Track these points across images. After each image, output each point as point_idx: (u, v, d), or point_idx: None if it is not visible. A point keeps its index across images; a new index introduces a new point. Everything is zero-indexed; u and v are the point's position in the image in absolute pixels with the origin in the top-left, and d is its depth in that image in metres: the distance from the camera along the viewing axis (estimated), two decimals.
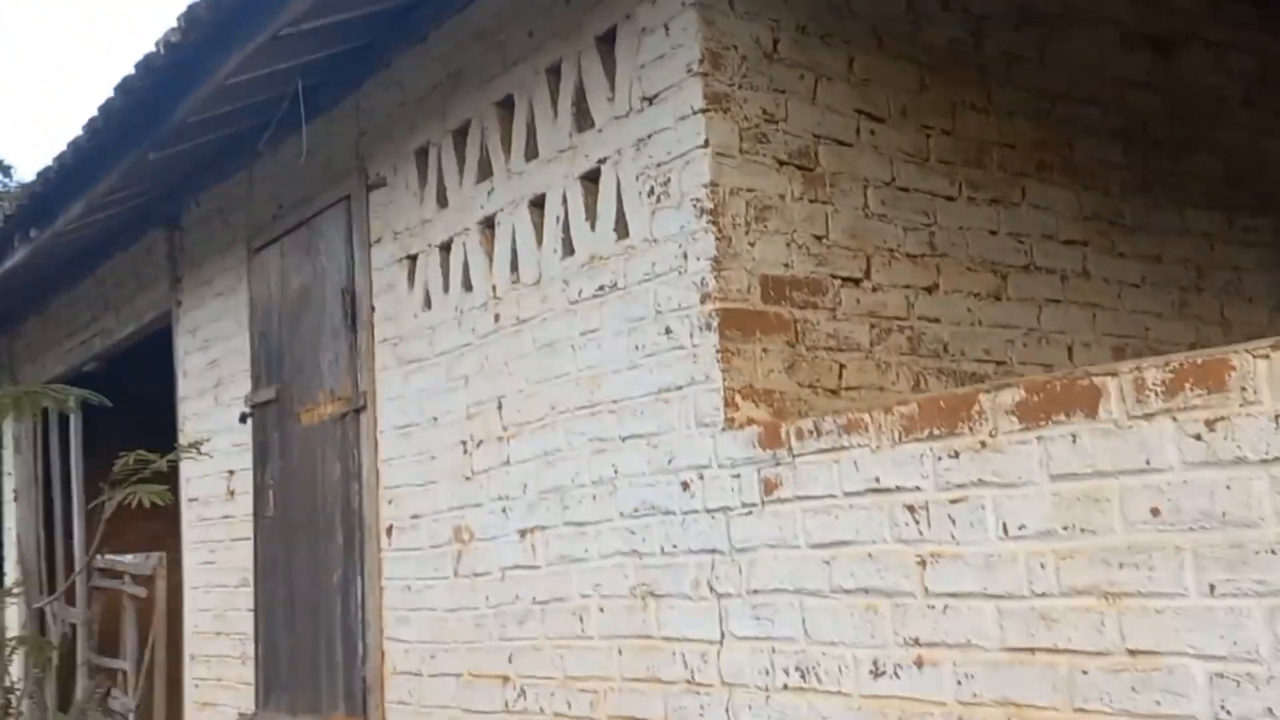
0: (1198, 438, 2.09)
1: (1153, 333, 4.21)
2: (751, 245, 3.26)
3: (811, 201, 3.41)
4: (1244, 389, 2.02)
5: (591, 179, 3.68)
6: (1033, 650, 2.37)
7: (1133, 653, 2.19)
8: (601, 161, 3.62)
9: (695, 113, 3.26)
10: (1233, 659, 2.03)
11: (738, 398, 3.16)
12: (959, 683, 2.51)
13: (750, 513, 3.05)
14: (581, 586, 3.64)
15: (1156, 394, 2.15)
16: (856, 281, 3.47)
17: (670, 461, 3.31)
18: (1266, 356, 1.99)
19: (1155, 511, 2.15)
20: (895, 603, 2.66)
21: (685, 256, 3.28)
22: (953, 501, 2.53)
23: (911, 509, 2.62)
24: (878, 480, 2.70)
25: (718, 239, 3.20)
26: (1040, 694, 2.35)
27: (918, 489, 2.61)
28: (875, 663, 2.70)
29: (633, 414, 3.45)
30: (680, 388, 3.29)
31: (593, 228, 3.66)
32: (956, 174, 3.77)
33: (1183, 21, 4.57)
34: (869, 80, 3.61)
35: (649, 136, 3.42)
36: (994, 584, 2.44)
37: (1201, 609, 2.08)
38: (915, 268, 3.62)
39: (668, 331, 3.33)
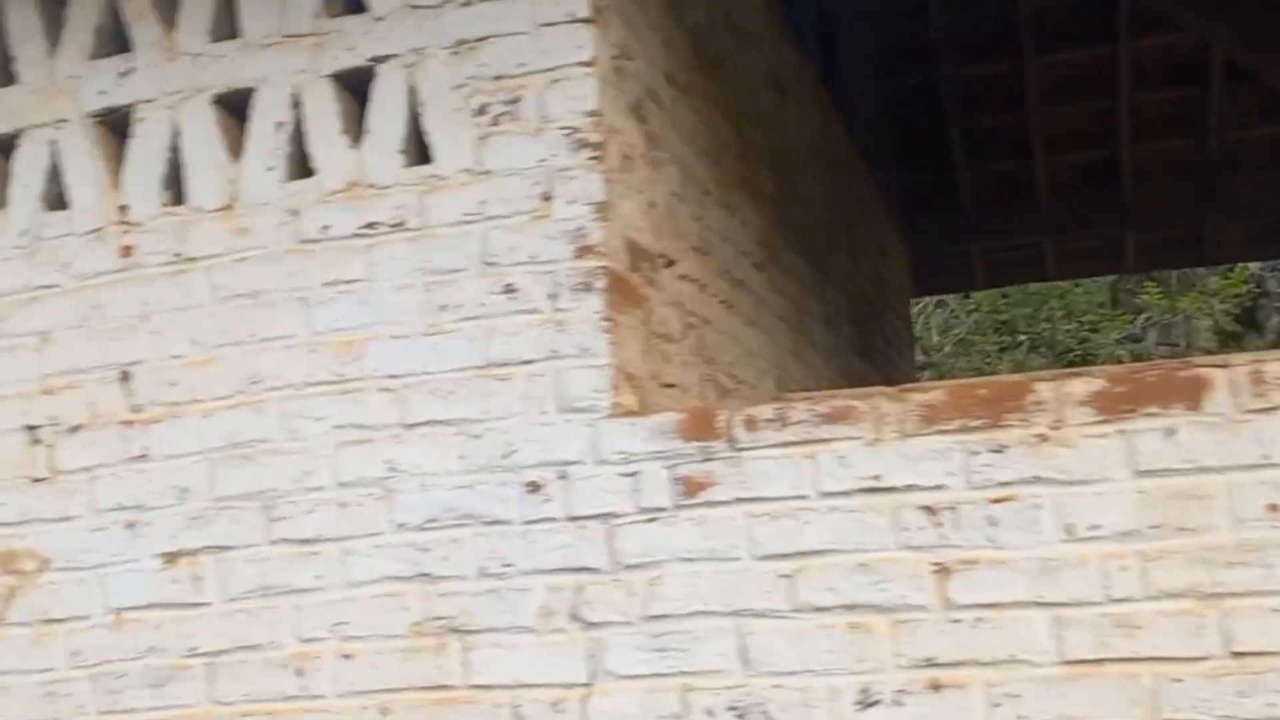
0: None
1: (789, 370, 4.28)
2: (621, 198, 2.71)
3: (649, 165, 2.94)
4: None
5: (353, 80, 2.81)
6: (1101, 661, 2.19)
7: (1238, 655, 2.12)
8: (379, 60, 2.78)
9: (575, 21, 2.64)
10: None
11: (623, 378, 2.58)
12: (996, 705, 2.24)
13: (654, 520, 2.48)
14: (302, 628, 2.68)
15: (1278, 388, 2.13)
16: (671, 264, 3.05)
17: (507, 456, 2.58)
18: None
19: (1273, 508, 2.12)
20: (898, 619, 2.32)
21: (548, 198, 2.62)
22: (994, 501, 2.28)
23: (931, 510, 2.31)
24: (878, 478, 2.35)
25: (606, 181, 2.60)
26: (1114, 708, 2.18)
27: (941, 487, 2.31)
28: (864, 691, 2.32)
29: (432, 394, 2.65)
30: (529, 362, 2.60)
31: (355, 144, 2.79)
32: (716, 170, 3.52)
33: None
34: None
35: (481, 40, 2.70)
36: (1052, 591, 2.23)
37: None
38: (699, 263, 3.29)
39: (508, 290, 2.62)
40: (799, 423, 2.40)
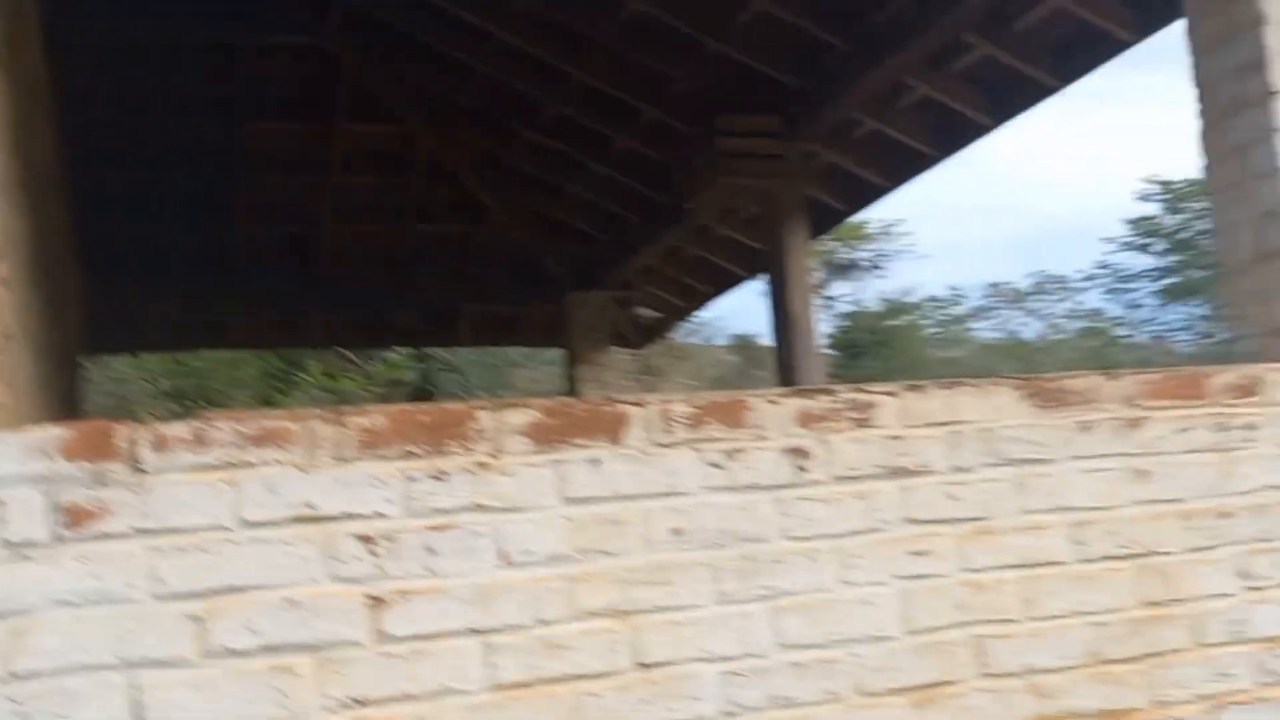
0: (716, 466, 2.42)
1: None
2: None
3: None
4: (757, 426, 2.46)
5: None
6: (530, 684, 2.25)
7: (645, 666, 2.32)
8: None
9: None
10: (741, 657, 2.38)
11: None
12: None
13: (25, 558, 2.01)
14: None
15: (682, 425, 2.41)
16: None
17: None
18: (775, 402, 2.49)
19: (677, 531, 2.38)
20: (327, 658, 2.14)
21: None
22: (434, 529, 2.23)
23: (367, 539, 2.19)
24: (310, 506, 2.17)
25: None
26: None
27: (379, 515, 2.20)
28: None
29: None
30: None
31: None
32: None
33: None
34: None
35: None
36: (486, 618, 2.24)
37: (716, 617, 2.37)
38: None
39: None
40: (221, 444, 2.12)
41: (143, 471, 2.07)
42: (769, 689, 2.36)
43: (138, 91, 7.47)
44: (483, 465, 2.26)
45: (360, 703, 2.13)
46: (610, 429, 2.35)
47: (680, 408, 2.40)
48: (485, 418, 2.28)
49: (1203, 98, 3.28)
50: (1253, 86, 3.10)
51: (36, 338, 3.68)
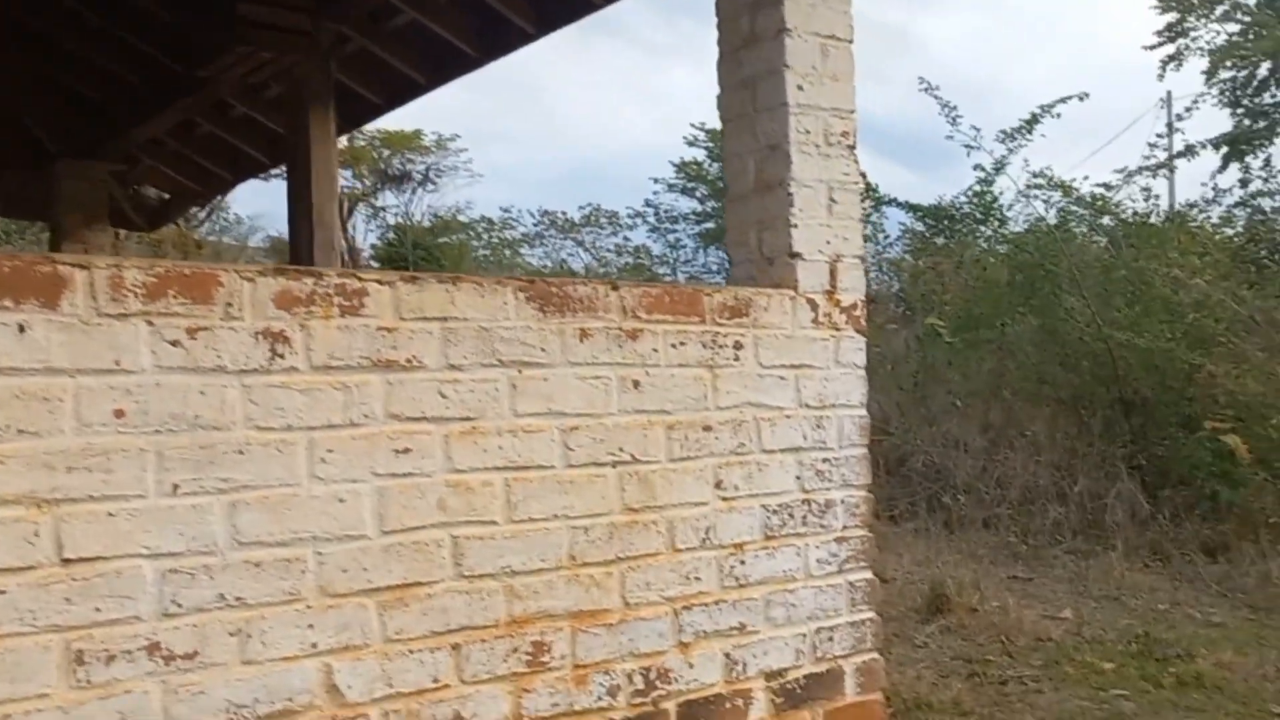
0: (175, 344, 2.16)
1: None
2: None
3: None
4: (230, 304, 2.22)
5: None
6: None
7: (69, 561, 2.03)
8: None
9: None
10: (188, 554, 2.15)
11: None
12: None
13: None
14: None
15: (137, 295, 2.12)
16: None
17: None
18: (252, 279, 2.25)
19: (120, 413, 2.10)
20: None
21: None
22: None
23: None
24: None
25: None
26: None
27: None
28: None
29: None
30: None
31: None
32: None
33: None
34: None
35: None
36: None
37: (160, 509, 2.12)
38: None
39: None
40: None
41: None
42: (219, 588, 2.15)
43: None
44: None
45: None
46: (45, 291, 2.01)
47: (135, 274, 2.10)
48: None
49: (721, 27, 3.35)
50: (767, 22, 3.20)
51: None
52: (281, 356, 2.26)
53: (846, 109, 3.30)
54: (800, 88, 3.19)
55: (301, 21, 4.68)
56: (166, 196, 7.60)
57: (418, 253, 22.73)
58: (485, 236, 25.55)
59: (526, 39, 5.06)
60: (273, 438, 2.23)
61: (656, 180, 23.88)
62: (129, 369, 2.09)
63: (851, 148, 3.30)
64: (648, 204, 23.43)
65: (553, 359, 2.65)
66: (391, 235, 23.38)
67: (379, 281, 2.42)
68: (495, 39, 5.17)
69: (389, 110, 5.94)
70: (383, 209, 24.02)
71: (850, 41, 3.32)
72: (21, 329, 1.99)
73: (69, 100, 6.44)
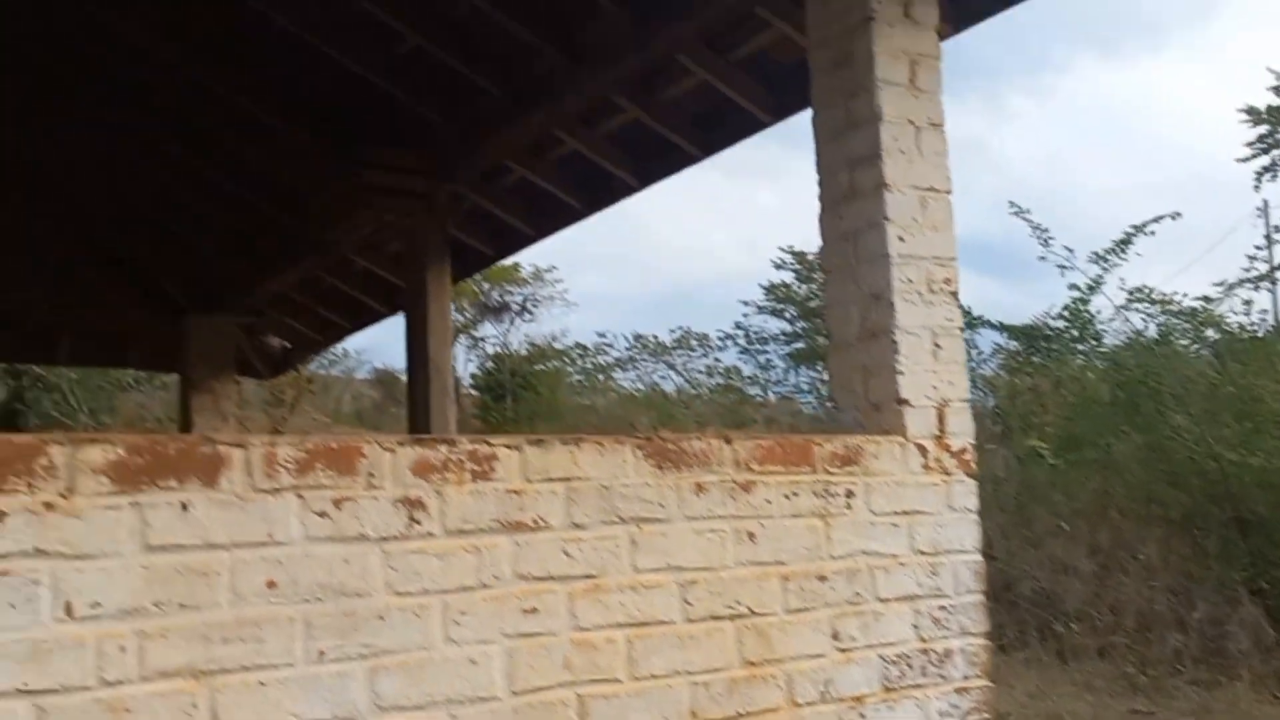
0: (322, 514, 2.28)
1: None
2: None
3: None
4: (371, 474, 2.35)
5: None
6: None
7: None
8: None
9: None
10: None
11: None
12: None
13: None
14: None
15: (288, 470, 2.26)
16: None
17: None
18: (392, 450, 2.38)
19: (272, 584, 2.22)
20: None
21: None
22: None
23: None
24: None
25: None
26: None
27: None
28: None
29: None
30: None
31: None
32: None
33: None
34: None
35: None
36: (40, 677, 1.99)
37: (307, 676, 2.22)
38: None
39: None
40: None
41: None
42: None
43: None
44: (50, 506, 2.01)
45: None
46: (205, 471, 2.16)
47: (287, 451, 2.24)
48: (58, 453, 2.03)
49: (823, 183, 3.48)
50: (866, 177, 3.32)
51: None
52: (419, 522, 2.37)
53: (947, 256, 3.38)
54: (901, 239, 3.28)
55: (420, 185, 4.94)
56: (288, 346, 7.93)
57: (515, 380, 23.10)
58: (579, 362, 25.88)
59: (628, 191, 5.26)
60: (410, 602, 2.33)
61: (745, 303, 24.07)
62: (280, 541, 2.22)
63: (954, 294, 3.37)
64: (738, 326, 23.59)
65: (670, 514, 2.73)
66: (490, 364, 23.82)
67: (507, 446, 2.54)
68: (598, 192, 5.38)
69: (497, 260, 6.18)
70: (482, 339, 24.54)
71: (949, 192, 3.42)
72: (184, 507, 2.13)
73: (200, 259, 6.81)
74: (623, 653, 2.60)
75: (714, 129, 5.12)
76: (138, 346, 7.27)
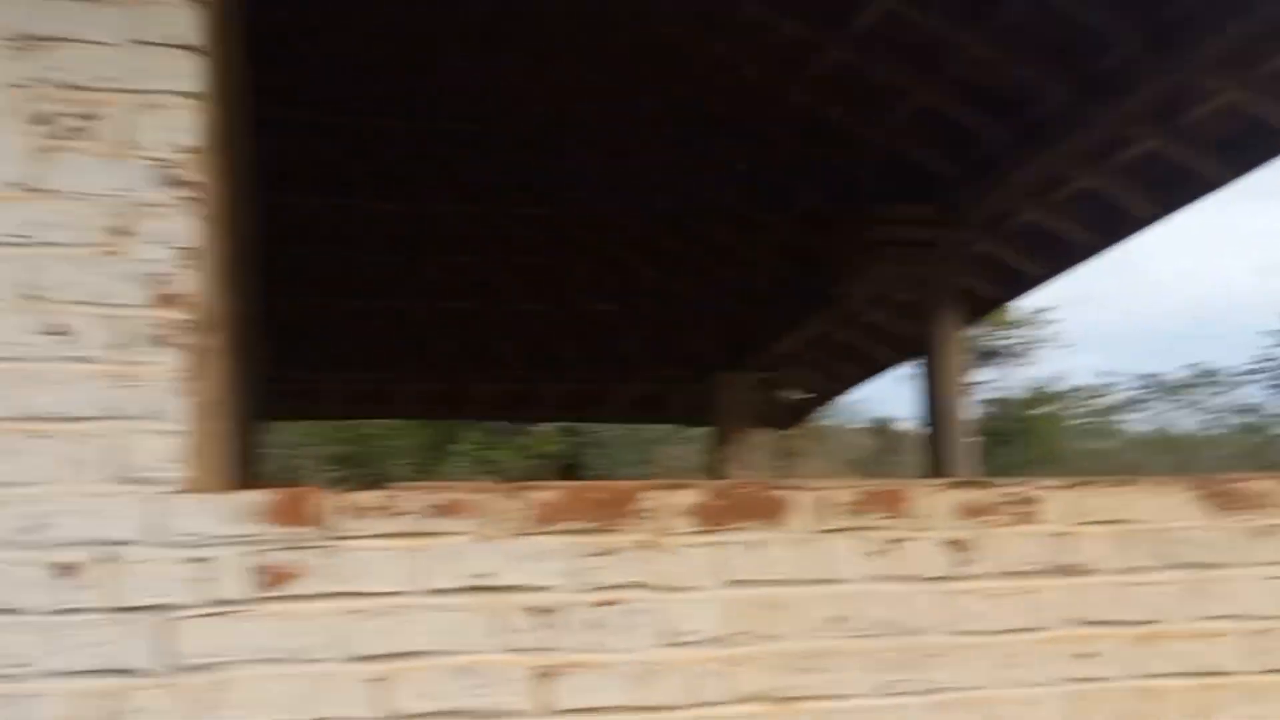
0: (877, 554, 2.44)
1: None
2: (210, 245, 2.40)
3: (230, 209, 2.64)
4: (916, 516, 2.47)
5: None
6: None
7: None
8: None
9: (179, 47, 2.34)
10: None
11: (196, 449, 2.24)
12: None
13: (223, 614, 2.15)
14: None
15: (843, 512, 2.44)
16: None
17: (33, 530, 2.10)
18: (935, 493, 2.50)
19: (835, 619, 2.40)
20: None
21: (124, 232, 2.25)
22: (599, 604, 2.30)
23: (537, 611, 2.27)
24: (486, 576, 2.27)
25: (201, 224, 2.30)
26: None
27: (548, 588, 2.29)
28: None
29: None
30: (78, 419, 2.16)
31: None
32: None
33: None
34: None
35: (55, 41, 2.29)
36: (648, 696, 2.29)
37: (873, 707, 2.38)
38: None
39: (62, 333, 2.18)
40: (409, 513, 2.24)
41: (336, 537, 2.20)
42: None
43: (323, 170, 7.89)
44: (647, 544, 2.33)
45: None
46: (771, 513, 2.40)
47: (842, 494, 2.44)
48: (653, 497, 2.35)
49: None
50: None
51: (233, 405, 3.91)
52: (966, 563, 2.47)
53: None
54: None
55: (929, 235, 5.07)
56: (803, 398, 8.35)
57: (1016, 425, 22.45)
58: (1081, 404, 24.63)
59: (1145, 224, 5.07)
60: (964, 641, 2.43)
61: (1268, 334, 21.74)
62: (840, 578, 2.41)
63: None
64: (1262, 359, 21.34)
65: (1231, 558, 2.62)
66: (990, 409, 23.31)
67: (1049, 488, 2.58)
68: (1112, 227, 5.23)
69: (1006, 303, 6.15)
70: (979, 384, 24.08)
71: None
72: (756, 546, 2.38)
73: (728, 321, 7.40)
74: (1183, 702, 2.53)
75: (1241, 151, 4.82)
76: (673, 403, 7.98)
